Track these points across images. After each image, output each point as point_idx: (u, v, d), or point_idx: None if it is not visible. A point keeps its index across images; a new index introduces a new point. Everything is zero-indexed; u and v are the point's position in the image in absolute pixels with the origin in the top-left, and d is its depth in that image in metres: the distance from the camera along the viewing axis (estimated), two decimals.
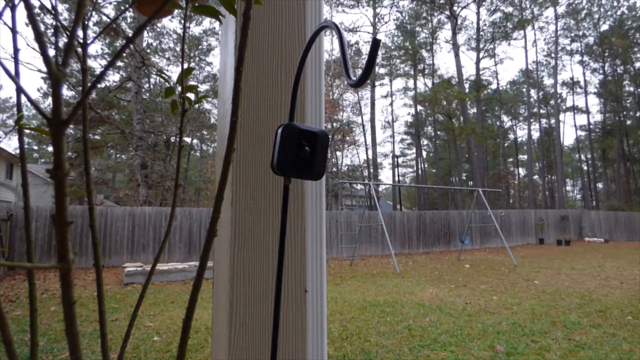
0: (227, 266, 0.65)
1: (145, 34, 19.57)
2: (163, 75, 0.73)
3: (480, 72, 33.50)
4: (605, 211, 20.05)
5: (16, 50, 0.55)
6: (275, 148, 0.46)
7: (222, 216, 0.67)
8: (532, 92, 36.19)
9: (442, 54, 68.86)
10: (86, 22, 0.54)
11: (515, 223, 15.83)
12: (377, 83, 33.06)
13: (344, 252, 12.07)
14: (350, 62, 0.42)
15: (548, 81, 37.03)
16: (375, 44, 0.36)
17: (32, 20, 0.34)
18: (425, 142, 39.80)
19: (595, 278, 7.39)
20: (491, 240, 14.72)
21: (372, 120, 30.84)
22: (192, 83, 0.61)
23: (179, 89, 0.60)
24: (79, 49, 0.54)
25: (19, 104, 0.59)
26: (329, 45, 26.65)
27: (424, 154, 40.13)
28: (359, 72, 0.42)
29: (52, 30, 0.51)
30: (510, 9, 32.97)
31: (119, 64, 17.92)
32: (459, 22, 31.56)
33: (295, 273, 0.67)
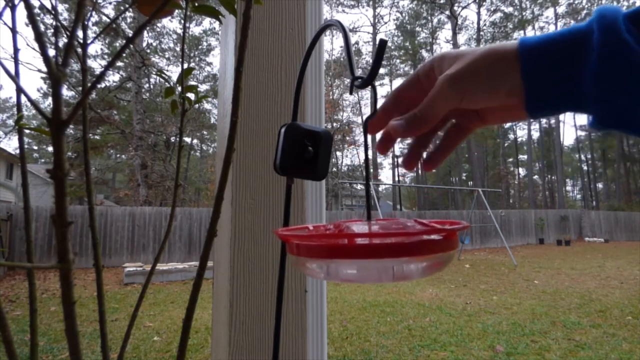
0: (227, 266, 0.65)
1: (145, 34, 19.57)
2: (163, 75, 0.73)
3: None
4: (605, 211, 20.04)
5: (16, 50, 0.55)
6: (277, 148, 0.46)
7: (222, 216, 0.67)
8: None
9: None
10: (86, 22, 0.54)
11: (515, 223, 15.82)
12: (377, 83, 32.98)
13: None
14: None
15: None
16: (382, 45, 0.35)
17: (32, 20, 0.34)
18: None
19: (595, 278, 7.39)
20: (491, 240, 14.71)
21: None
22: (192, 83, 0.61)
23: (179, 89, 0.60)
24: (79, 49, 0.54)
25: (19, 104, 0.59)
26: (329, 45, 26.65)
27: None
28: (359, 72, 0.42)
29: (52, 30, 0.51)
30: (510, 9, 32.99)
31: (119, 64, 17.92)
32: (459, 22, 31.59)
33: (295, 273, 0.67)
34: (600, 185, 41.35)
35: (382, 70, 34.48)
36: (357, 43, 31.64)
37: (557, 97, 0.29)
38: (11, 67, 0.46)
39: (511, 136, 41.21)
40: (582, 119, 44.63)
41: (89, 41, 0.54)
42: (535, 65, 0.29)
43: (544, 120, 37.33)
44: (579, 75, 0.28)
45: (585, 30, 0.28)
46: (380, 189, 34.22)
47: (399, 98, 0.38)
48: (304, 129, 0.46)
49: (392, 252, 0.28)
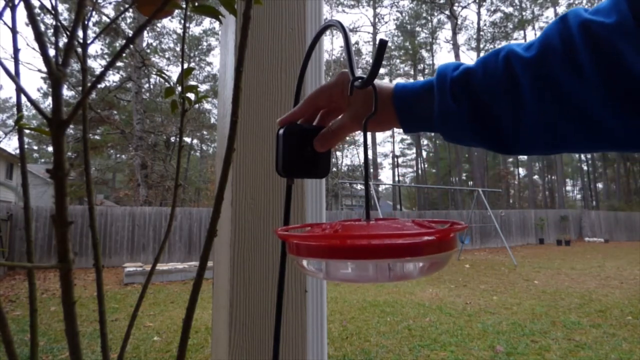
0: (227, 266, 0.65)
1: (145, 34, 19.57)
2: (163, 75, 0.72)
3: None
4: (605, 211, 20.04)
5: (16, 50, 0.55)
6: (278, 149, 0.46)
7: (222, 216, 0.67)
8: None
9: (442, 54, 68.56)
10: (86, 22, 0.54)
11: (515, 223, 15.81)
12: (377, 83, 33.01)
13: None
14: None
15: None
16: (382, 45, 0.35)
17: (32, 20, 0.34)
18: (425, 142, 39.80)
19: (595, 278, 7.39)
20: (491, 240, 14.71)
21: None
22: (192, 83, 0.61)
23: (179, 89, 0.60)
24: (79, 49, 0.54)
25: (19, 104, 0.59)
26: (329, 45, 26.65)
27: (424, 154, 40.13)
28: (359, 72, 0.42)
29: (52, 30, 0.51)
30: (510, 9, 32.99)
31: (119, 64, 17.92)
32: (459, 22, 31.58)
33: (295, 273, 0.67)
34: (600, 185, 41.34)
35: (382, 70, 34.45)
36: (357, 43, 31.63)
37: (419, 126, 0.47)
38: (11, 67, 0.46)
39: None
40: None
41: (89, 41, 0.54)
42: (403, 107, 0.46)
43: None
44: (430, 115, 0.45)
45: (432, 86, 0.45)
46: (380, 189, 34.24)
47: (310, 104, 0.48)
48: (303, 128, 0.46)
49: (389, 253, 0.28)
